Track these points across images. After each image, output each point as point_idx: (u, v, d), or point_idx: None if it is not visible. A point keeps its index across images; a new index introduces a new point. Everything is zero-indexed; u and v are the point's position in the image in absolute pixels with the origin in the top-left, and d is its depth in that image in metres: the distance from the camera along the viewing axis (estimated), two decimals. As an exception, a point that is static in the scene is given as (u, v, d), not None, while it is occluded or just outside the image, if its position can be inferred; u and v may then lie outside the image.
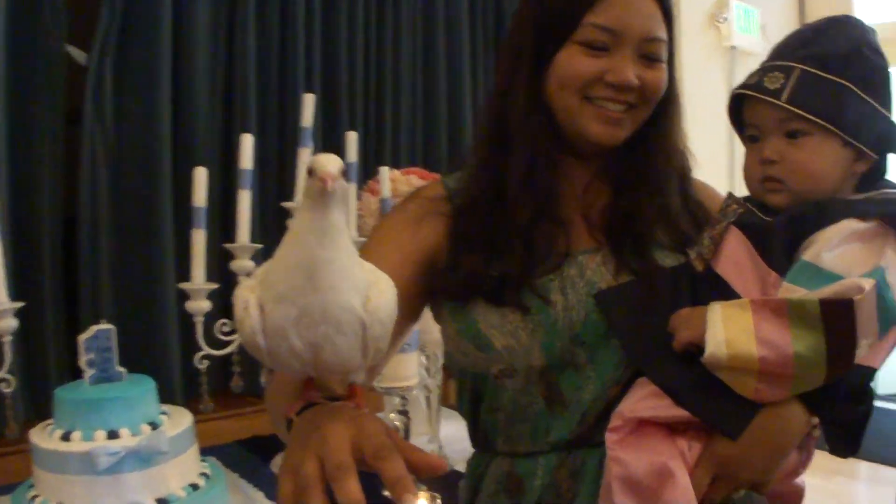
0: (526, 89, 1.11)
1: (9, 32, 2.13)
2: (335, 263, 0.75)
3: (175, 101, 2.44)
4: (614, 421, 1.00)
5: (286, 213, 1.95)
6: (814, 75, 0.98)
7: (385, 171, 2.00)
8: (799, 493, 1.06)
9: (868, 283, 0.88)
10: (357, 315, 0.76)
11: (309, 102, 1.89)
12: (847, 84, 0.97)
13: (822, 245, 0.94)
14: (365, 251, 1.14)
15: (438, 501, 1.60)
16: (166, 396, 1.65)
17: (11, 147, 2.13)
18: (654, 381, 1.00)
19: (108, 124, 2.30)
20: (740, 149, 1.08)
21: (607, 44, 1.07)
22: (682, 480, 0.93)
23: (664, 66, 1.12)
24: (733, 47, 3.98)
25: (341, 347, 0.77)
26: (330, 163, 0.72)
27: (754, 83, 1.02)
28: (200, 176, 1.75)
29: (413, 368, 1.74)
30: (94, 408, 1.47)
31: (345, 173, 0.74)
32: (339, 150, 2.24)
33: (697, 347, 0.95)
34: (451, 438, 2.03)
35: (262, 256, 1.88)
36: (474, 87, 3.17)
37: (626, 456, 0.96)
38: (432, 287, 1.14)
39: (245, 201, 1.82)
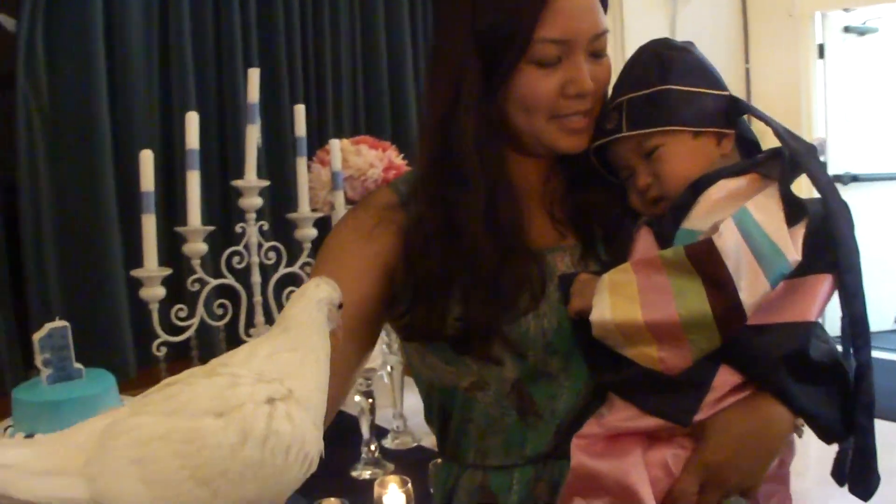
0: (476, 117, 1.03)
1: None
2: None
3: (110, 73, 2.38)
4: (588, 427, 0.99)
5: (234, 193, 1.91)
6: (638, 97, 1.02)
7: (336, 144, 1.95)
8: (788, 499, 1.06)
9: (725, 223, 0.89)
10: None
11: (254, 77, 1.82)
12: (664, 87, 1.01)
13: (696, 210, 0.97)
14: (317, 267, 1.10)
15: (409, 485, 1.60)
16: (124, 387, 1.62)
17: None
18: (595, 378, 1.00)
19: (42, 91, 2.26)
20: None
21: (559, 55, 1.01)
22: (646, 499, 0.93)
23: (608, 55, 1.07)
24: (675, -10, 4.00)
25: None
26: None
27: (598, 132, 1.05)
28: (146, 159, 1.68)
29: (376, 350, 1.72)
30: (55, 409, 1.44)
31: None
32: (283, 124, 2.22)
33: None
34: (416, 410, 2.01)
35: (211, 238, 1.84)
36: (415, 51, 3.14)
37: (592, 464, 0.96)
38: (390, 307, 1.08)
39: (194, 182, 1.77)
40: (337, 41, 2.91)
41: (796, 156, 0.96)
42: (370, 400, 1.86)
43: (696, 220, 0.96)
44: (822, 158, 1.07)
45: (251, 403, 0.70)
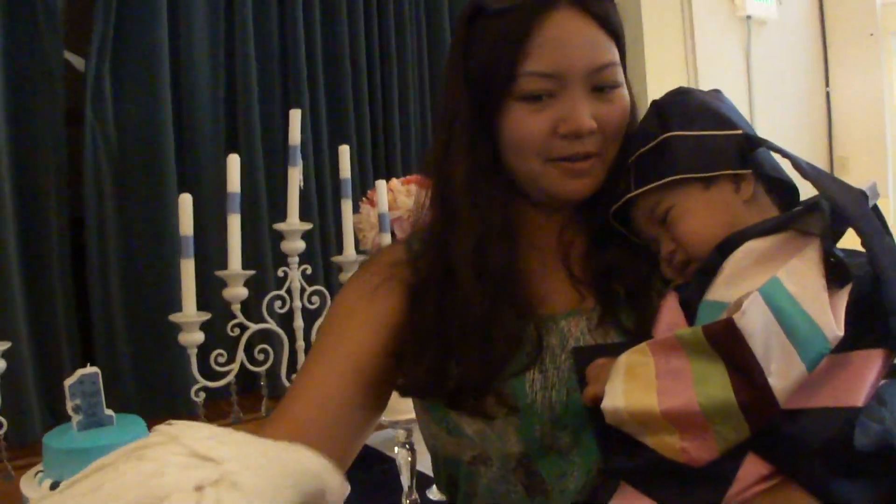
0: (467, 157, 0.99)
1: (6, 41, 2.13)
2: None
3: (176, 109, 2.41)
4: None
5: (278, 236, 1.88)
6: (643, 154, 0.95)
7: (382, 185, 1.91)
8: None
9: (750, 299, 0.77)
10: None
11: (296, 119, 1.80)
12: (665, 135, 0.93)
13: (719, 278, 0.87)
14: (323, 327, 1.07)
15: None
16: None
17: (14, 154, 2.15)
18: (606, 463, 0.90)
19: (110, 129, 2.30)
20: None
21: (551, 90, 0.94)
22: None
23: (622, 90, 0.99)
24: (748, 17, 3.87)
25: None
26: None
27: (614, 196, 0.98)
28: (185, 204, 1.67)
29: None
30: (84, 456, 1.43)
31: None
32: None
33: None
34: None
35: (254, 282, 1.82)
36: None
37: None
38: (399, 365, 1.02)
39: (234, 226, 1.74)
40: (405, 79, 2.87)
41: (840, 207, 0.84)
42: (410, 451, 1.80)
43: (720, 291, 0.86)
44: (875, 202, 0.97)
45: (177, 493, 0.65)
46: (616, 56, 0.97)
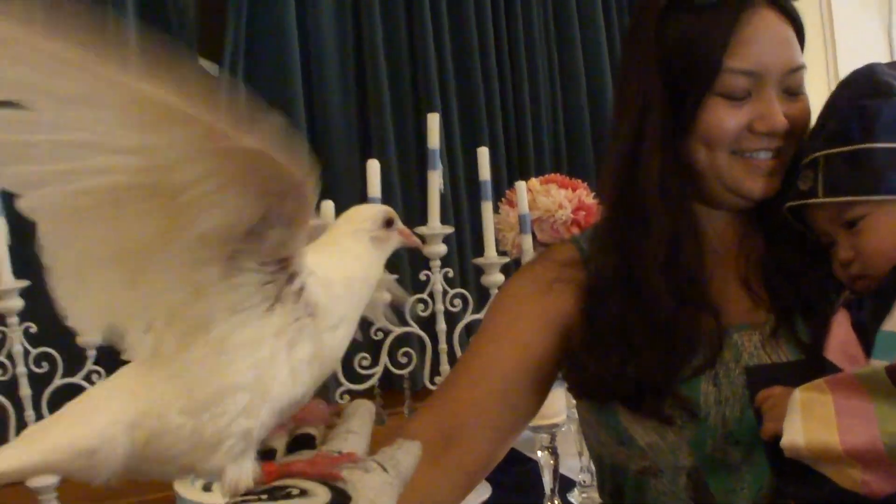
0: (661, 156, 0.97)
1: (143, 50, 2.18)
2: None
3: (309, 112, 2.46)
4: None
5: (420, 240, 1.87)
6: (836, 156, 0.89)
7: (522, 186, 1.89)
8: None
9: None
10: None
11: (433, 123, 1.80)
12: (868, 146, 0.86)
13: None
14: (489, 317, 1.08)
15: None
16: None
17: None
18: (781, 488, 0.88)
19: None
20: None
21: (749, 89, 0.94)
22: None
23: (806, 94, 0.98)
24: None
25: None
26: None
27: (792, 191, 0.93)
28: (327, 211, 1.69)
29: (561, 405, 1.63)
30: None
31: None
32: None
33: None
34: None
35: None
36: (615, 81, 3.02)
37: None
38: (562, 365, 1.03)
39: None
40: (534, 73, 2.84)
41: None
42: (553, 455, 1.78)
43: None
44: None
45: None
46: (803, 58, 0.98)
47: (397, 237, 0.78)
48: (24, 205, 0.57)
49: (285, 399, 0.66)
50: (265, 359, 0.65)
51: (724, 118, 0.95)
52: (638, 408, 0.95)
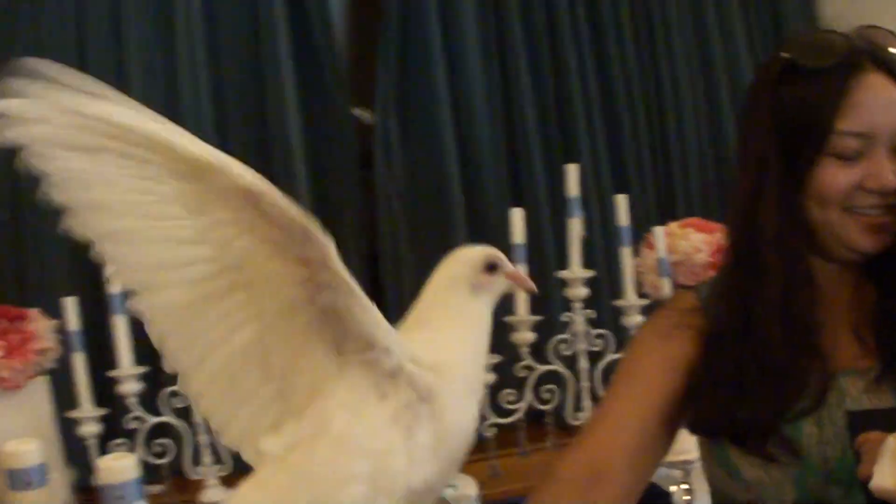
0: (777, 208, 1.03)
1: (300, 102, 2.39)
2: None
3: (461, 155, 2.56)
4: None
5: (562, 283, 2.00)
6: None
7: (660, 231, 1.97)
8: None
9: None
10: None
11: (573, 172, 1.91)
12: None
13: None
14: (623, 361, 1.18)
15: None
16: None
17: (314, 203, 2.36)
18: None
19: (398, 175, 2.49)
20: None
21: (860, 149, 0.99)
22: None
23: None
24: None
25: None
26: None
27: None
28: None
29: (694, 440, 1.69)
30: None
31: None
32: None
33: None
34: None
35: (542, 326, 1.95)
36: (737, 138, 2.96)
37: None
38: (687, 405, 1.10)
39: (521, 274, 1.88)
40: (681, 124, 2.88)
41: None
42: (686, 492, 1.83)
43: None
44: None
45: None
46: None
47: (503, 281, 0.76)
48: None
49: (406, 485, 0.67)
50: (380, 450, 0.66)
51: (835, 177, 1.00)
52: (743, 444, 1.01)
